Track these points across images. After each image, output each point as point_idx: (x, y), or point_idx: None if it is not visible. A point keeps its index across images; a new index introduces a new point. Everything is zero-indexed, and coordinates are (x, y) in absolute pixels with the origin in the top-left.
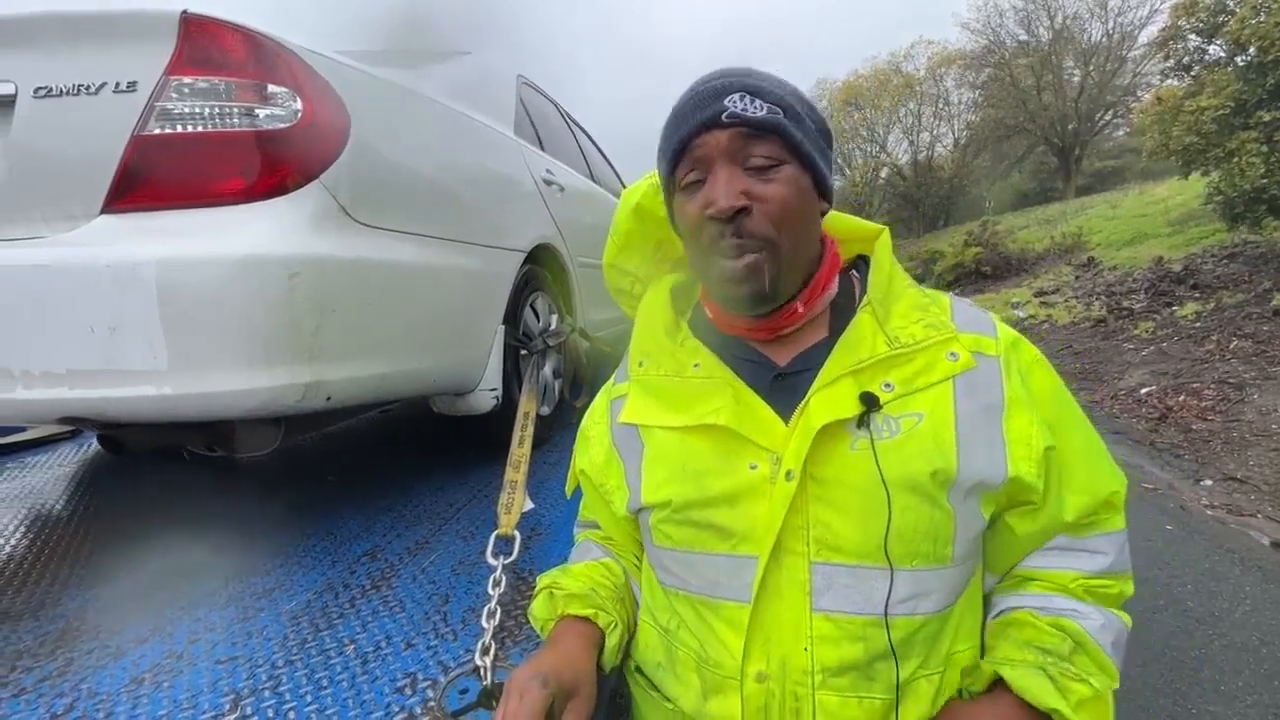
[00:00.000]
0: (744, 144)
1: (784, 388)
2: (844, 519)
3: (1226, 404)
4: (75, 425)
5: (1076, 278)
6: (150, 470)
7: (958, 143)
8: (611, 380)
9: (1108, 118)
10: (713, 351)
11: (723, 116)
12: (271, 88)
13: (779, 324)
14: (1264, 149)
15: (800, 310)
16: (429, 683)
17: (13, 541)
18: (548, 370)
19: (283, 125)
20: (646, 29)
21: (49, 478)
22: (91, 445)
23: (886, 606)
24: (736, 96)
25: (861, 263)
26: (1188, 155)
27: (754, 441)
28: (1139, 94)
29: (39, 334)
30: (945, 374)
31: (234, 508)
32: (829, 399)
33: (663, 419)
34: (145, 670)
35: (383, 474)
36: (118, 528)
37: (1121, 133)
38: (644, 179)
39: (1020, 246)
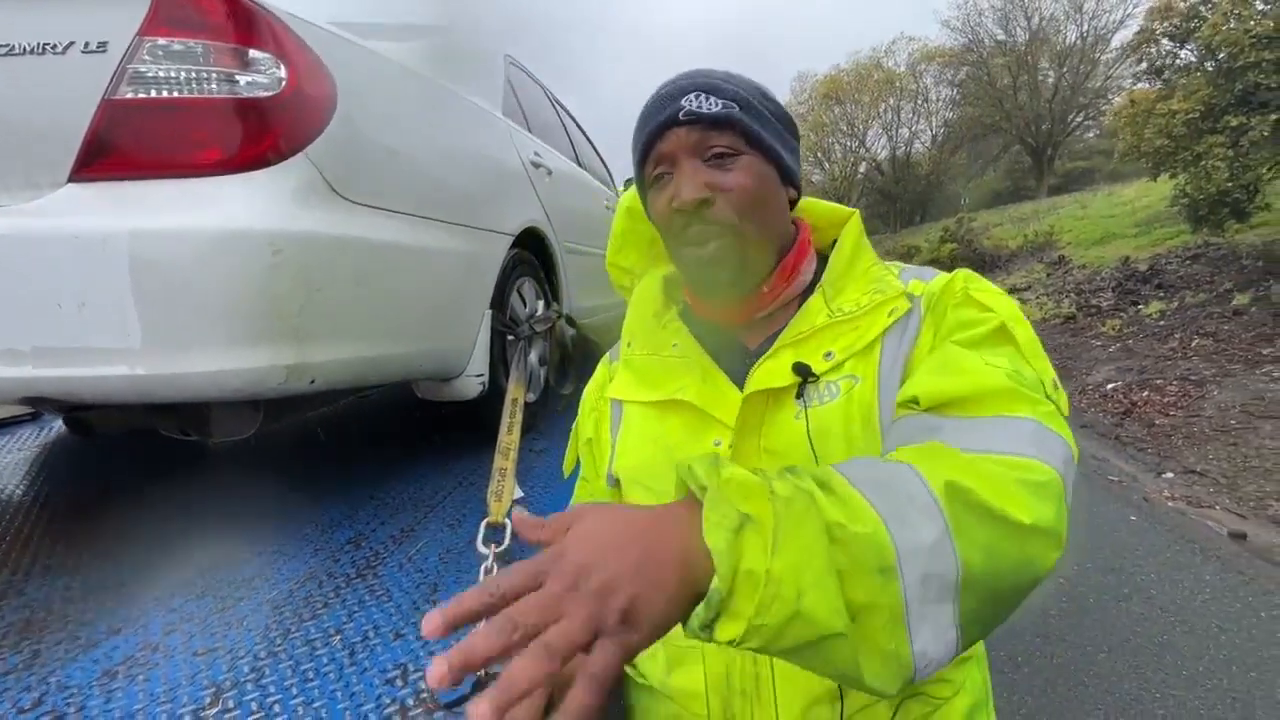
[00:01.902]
0: (703, 137)
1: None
2: None
3: (1188, 400)
4: (39, 406)
5: (1048, 275)
6: (117, 455)
7: (935, 139)
8: (608, 357)
9: (1079, 119)
10: (694, 336)
11: (680, 115)
12: (253, 53)
13: (750, 309)
14: (1230, 153)
15: (766, 292)
16: (420, 674)
17: None
18: (533, 357)
19: (265, 93)
20: (642, 19)
21: (8, 462)
22: (53, 428)
23: None
24: (693, 96)
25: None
26: (1158, 157)
27: (716, 418)
28: (1110, 97)
29: (1, 309)
30: (879, 331)
31: (208, 494)
32: (767, 371)
33: (639, 394)
34: (118, 663)
35: (363, 460)
36: (84, 515)
37: (1092, 134)
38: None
39: (994, 243)
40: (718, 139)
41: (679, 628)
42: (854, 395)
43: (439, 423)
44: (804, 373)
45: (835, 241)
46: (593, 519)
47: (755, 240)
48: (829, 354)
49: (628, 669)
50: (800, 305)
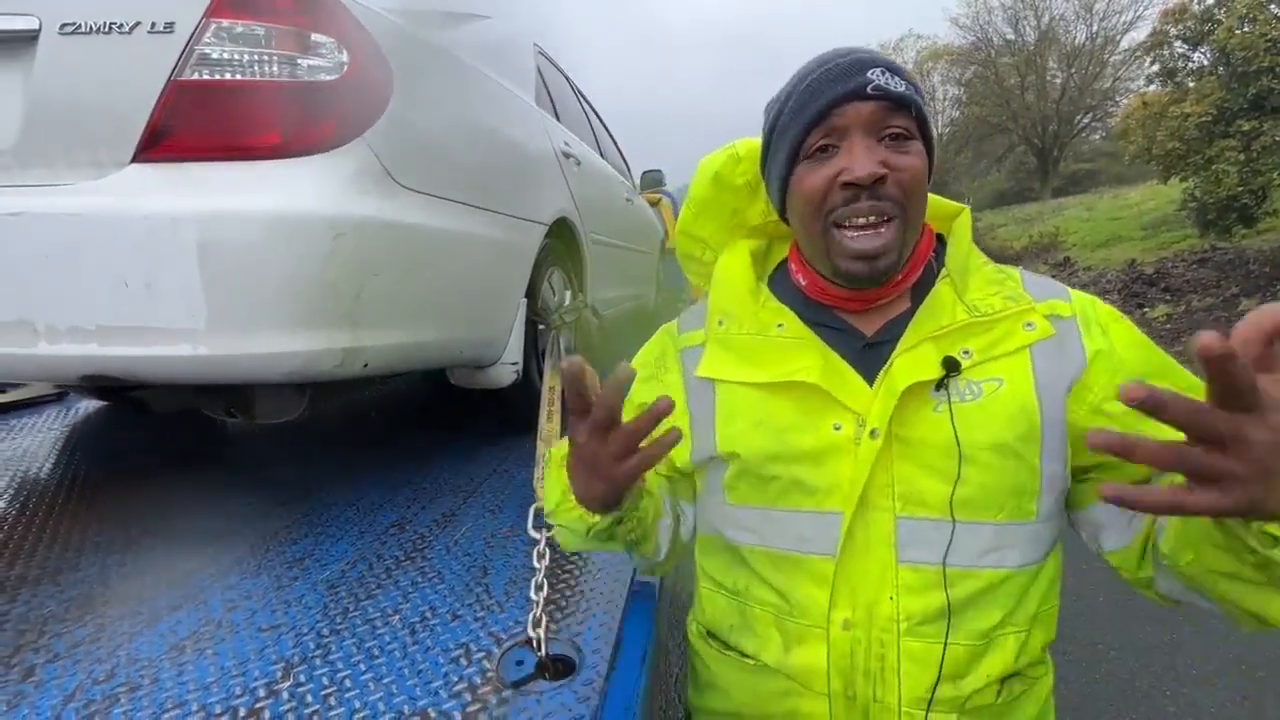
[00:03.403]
0: (884, 116)
1: (870, 356)
2: (928, 476)
3: None
4: (96, 384)
5: (1053, 277)
6: (149, 435)
7: (941, 138)
8: (675, 326)
9: (1086, 120)
10: (797, 316)
11: (868, 89)
12: (316, 37)
13: (879, 294)
14: (1241, 158)
15: (899, 280)
16: (483, 653)
17: (15, 506)
18: (561, 345)
19: (327, 77)
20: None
21: (41, 440)
22: (78, 408)
23: (945, 556)
24: (878, 71)
25: (936, 240)
26: (1169, 160)
27: (841, 402)
28: (1118, 99)
29: (67, 287)
30: (1022, 343)
31: (246, 474)
32: (911, 362)
33: (744, 374)
34: (185, 637)
35: (396, 446)
36: (124, 492)
37: (1098, 136)
38: (723, 149)
39: (1000, 244)
40: (897, 119)
41: (803, 606)
42: (999, 397)
43: (465, 410)
44: (953, 368)
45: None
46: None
47: (912, 227)
48: (966, 352)
49: (725, 653)
50: (914, 295)
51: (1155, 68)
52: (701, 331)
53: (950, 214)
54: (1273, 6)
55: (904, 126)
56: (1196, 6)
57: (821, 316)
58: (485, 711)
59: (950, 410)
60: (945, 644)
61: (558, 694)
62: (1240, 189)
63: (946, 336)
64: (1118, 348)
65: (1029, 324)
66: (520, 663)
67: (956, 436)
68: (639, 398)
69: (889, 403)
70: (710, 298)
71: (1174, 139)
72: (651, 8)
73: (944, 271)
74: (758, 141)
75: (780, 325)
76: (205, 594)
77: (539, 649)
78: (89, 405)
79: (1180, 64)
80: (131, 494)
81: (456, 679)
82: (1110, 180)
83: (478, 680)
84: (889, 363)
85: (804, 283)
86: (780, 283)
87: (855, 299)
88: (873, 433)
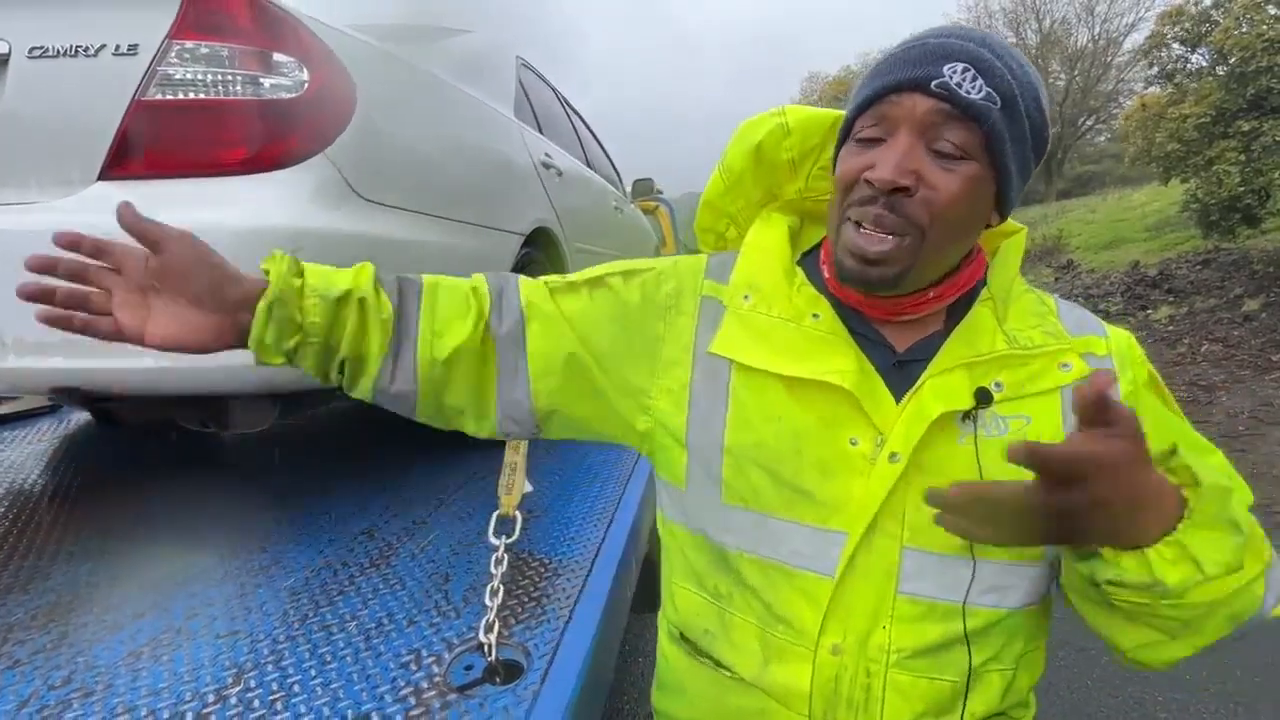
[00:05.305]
0: (941, 121)
1: (898, 373)
2: None
3: (1197, 406)
4: (69, 397)
5: (1056, 279)
6: (134, 446)
7: None
8: (702, 265)
9: (1090, 122)
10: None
11: (932, 84)
12: (277, 56)
13: (901, 307)
14: (1241, 158)
15: (932, 297)
16: (433, 658)
17: None
18: None
19: (288, 95)
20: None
21: (30, 452)
22: (71, 420)
23: (966, 595)
24: (960, 67)
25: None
26: (1169, 162)
27: (868, 416)
28: (1121, 100)
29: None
30: (1055, 384)
31: (224, 485)
32: (942, 388)
33: (769, 362)
34: (143, 644)
35: (375, 454)
36: (104, 503)
37: (1102, 138)
38: (770, 116)
39: None
40: (953, 131)
41: (790, 622)
42: (1026, 435)
43: None
44: (985, 401)
45: (981, 260)
46: (1119, 460)
47: (930, 253)
48: (998, 384)
49: (698, 659)
50: (950, 313)
51: (1154, 70)
52: (729, 289)
53: (1003, 232)
54: (1269, 7)
55: (958, 142)
56: (1193, 8)
57: (852, 321)
58: (427, 715)
59: (976, 443)
60: (959, 679)
61: (500, 698)
62: (1242, 189)
63: (981, 365)
64: (1143, 394)
65: (1064, 365)
66: (469, 668)
67: (980, 472)
68: (628, 291)
69: (916, 429)
70: (737, 268)
71: (1173, 140)
72: (651, 11)
73: (985, 293)
74: (809, 111)
75: (815, 316)
76: (170, 601)
77: (489, 654)
78: (80, 418)
79: (1179, 65)
80: (110, 503)
81: (404, 684)
82: (1115, 182)
83: (424, 685)
84: (918, 385)
85: (827, 275)
86: (810, 272)
87: (877, 305)
88: (892, 456)
